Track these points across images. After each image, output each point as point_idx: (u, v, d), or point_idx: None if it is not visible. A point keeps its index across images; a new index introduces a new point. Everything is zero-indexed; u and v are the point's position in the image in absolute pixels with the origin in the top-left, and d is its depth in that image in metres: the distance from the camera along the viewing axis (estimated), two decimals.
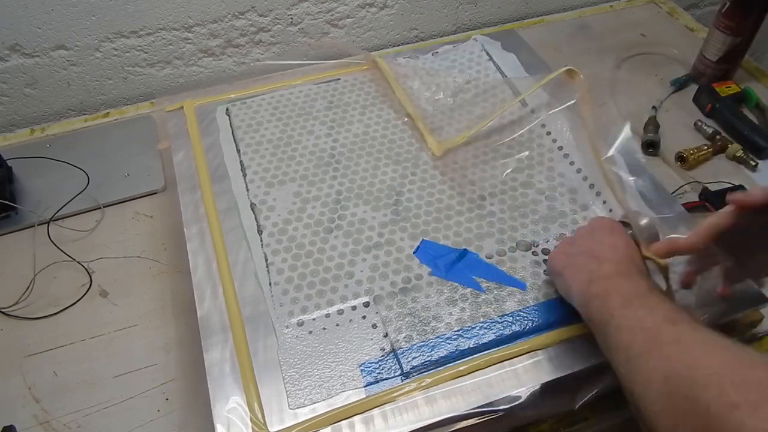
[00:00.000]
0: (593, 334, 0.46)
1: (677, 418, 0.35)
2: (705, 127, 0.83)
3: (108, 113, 0.89)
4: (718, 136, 0.81)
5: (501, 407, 0.49)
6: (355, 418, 0.48)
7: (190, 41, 0.89)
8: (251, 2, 0.88)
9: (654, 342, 0.39)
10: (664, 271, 0.50)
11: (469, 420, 0.49)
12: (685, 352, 0.37)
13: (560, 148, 0.69)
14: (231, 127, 0.72)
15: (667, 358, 0.38)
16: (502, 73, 0.78)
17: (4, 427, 0.54)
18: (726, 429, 0.32)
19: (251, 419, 0.48)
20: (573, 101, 0.69)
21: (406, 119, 0.73)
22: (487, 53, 0.82)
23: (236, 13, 0.89)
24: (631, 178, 0.63)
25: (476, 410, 0.49)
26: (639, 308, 0.42)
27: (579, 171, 0.66)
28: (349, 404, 0.49)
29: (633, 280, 0.45)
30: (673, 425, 0.36)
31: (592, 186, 0.65)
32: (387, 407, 0.49)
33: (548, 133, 0.71)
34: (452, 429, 0.49)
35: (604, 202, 0.63)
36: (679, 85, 0.90)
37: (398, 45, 1.02)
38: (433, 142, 0.69)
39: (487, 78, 0.78)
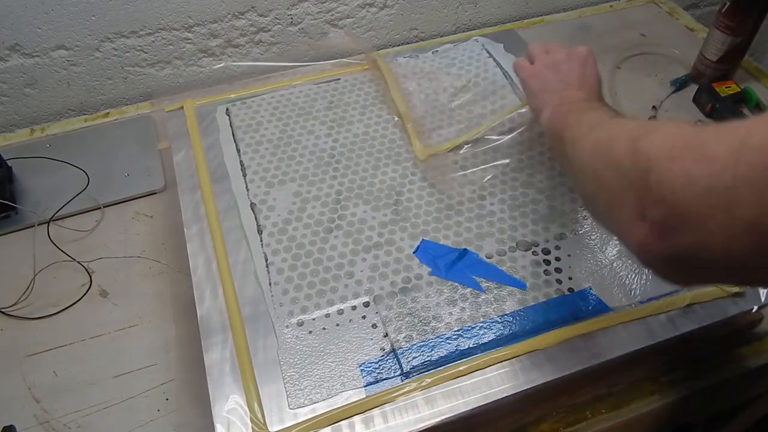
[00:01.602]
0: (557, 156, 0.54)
1: (600, 164, 0.41)
2: None
3: (108, 113, 0.89)
4: None
5: (500, 407, 0.49)
6: (355, 418, 0.48)
7: (190, 41, 0.89)
8: (251, 2, 0.88)
9: (595, 124, 0.46)
10: None
11: (469, 420, 0.49)
12: (617, 125, 0.43)
13: None
14: (231, 127, 0.72)
15: (600, 129, 0.44)
16: (503, 70, 0.78)
17: (4, 427, 0.54)
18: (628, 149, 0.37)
19: (251, 419, 0.48)
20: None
21: (395, 119, 0.73)
22: (488, 52, 0.82)
23: (236, 13, 0.89)
24: None
25: (476, 410, 0.49)
26: (590, 112, 0.51)
27: None
28: (349, 404, 0.49)
29: (594, 107, 0.53)
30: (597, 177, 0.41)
31: None
32: (387, 407, 0.49)
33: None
34: (452, 429, 0.49)
35: None
36: (679, 85, 0.90)
37: (398, 45, 1.02)
38: (419, 146, 0.69)
39: (486, 74, 0.78)
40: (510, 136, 0.69)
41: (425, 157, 0.68)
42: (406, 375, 0.51)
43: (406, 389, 0.49)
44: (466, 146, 0.69)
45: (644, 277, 0.57)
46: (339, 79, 0.79)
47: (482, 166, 0.67)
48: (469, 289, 0.56)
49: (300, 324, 0.54)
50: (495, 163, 0.67)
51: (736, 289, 0.55)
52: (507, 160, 0.67)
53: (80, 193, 0.73)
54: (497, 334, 0.53)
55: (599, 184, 0.40)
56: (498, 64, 0.79)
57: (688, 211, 0.30)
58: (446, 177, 0.66)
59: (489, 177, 0.66)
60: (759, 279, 0.34)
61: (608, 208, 0.39)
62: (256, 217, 0.63)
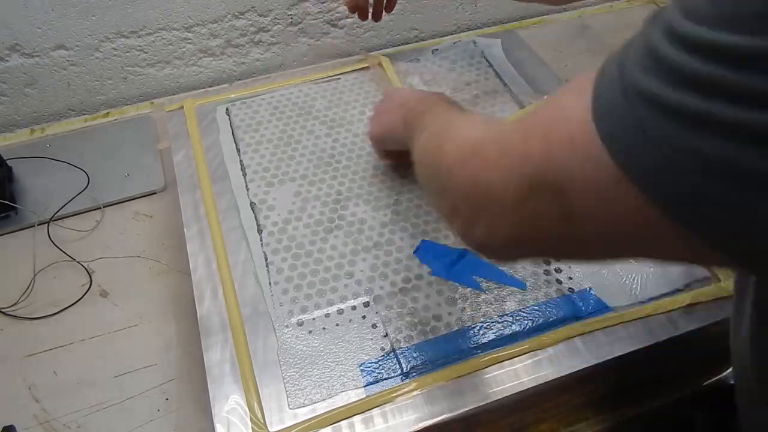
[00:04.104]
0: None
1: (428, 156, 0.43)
2: None
3: (108, 113, 0.89)
4: None
5: (500, 407, 0.49)
6: (355, 418, 0.48)
7: (190, 41, 0.89)
8: (251, 2, 0.88)
9: (439, 123, 0.46)
10: None
11: (469, 420, 0.49)
12: (452, 119, 0.45)
13: None
14: (231, 127, 0.72)
15: (431, 126, 0.46)
16: (502, 80, 0.79)
17: (4, 427, 0.54)
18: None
19: (251, 419, 0.48)
20: None
21: None
22: (487, 60, 0.82)
23: (236, 13, 0.89)
24: None
25: (476, 410, 0.49)
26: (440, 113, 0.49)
27: None
28: (349, 404, 0.49)
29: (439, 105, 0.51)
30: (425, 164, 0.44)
31: None
32: (387, 407, 0.49)
33: None
34: (452, 429, 0.49)
35: None
36: None
37: (398, 45, 1.02)
38: None
39: (486, 81, 0.78)
40: None
41: None
42: (406, 375, 0.51)
43: (406, 389, 0.49)
44: None
45: (644, 277, 0.57)
46: (339, 78, 0.79)
47: None
48: (469, 289, 0.56)
49: (300, 324, 0.54)
50: None
51: None
52: None
53: (80, 193, 0.73)
54: (497, 334, 0.53)
55: (425, 181, 0.45)
56: (496, 73, 0.79)
57: (481, 211, 0.35)
58: None
59: None
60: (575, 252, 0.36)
61: (434, 198, 0.44)
62: (256, 216, 0.63)
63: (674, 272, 0.57)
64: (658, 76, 0.24)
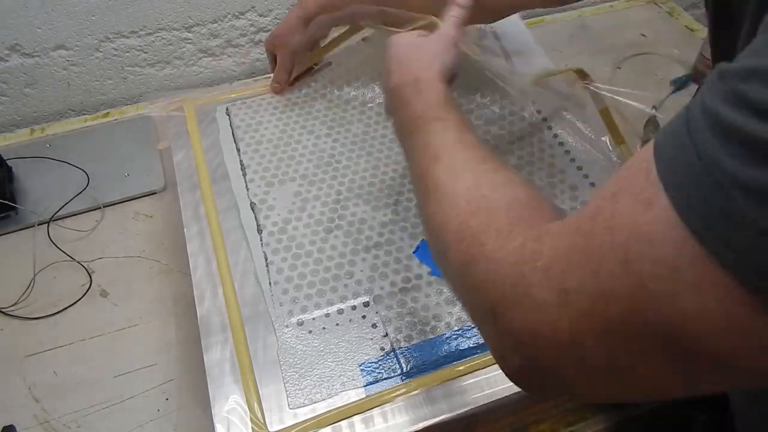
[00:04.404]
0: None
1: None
2: None
3: (108, 113, 0.89)
4: None
5: (500, 407, 0.49)
6: (355, 417, 0.48)
7: (190, 41, 0.89)
8: (251, 2, 0.88)
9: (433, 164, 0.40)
10: None
11: (469, 420, 0.49)
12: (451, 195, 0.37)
13: (561, 143, 0.69)
14: (231, 127, 0.72)
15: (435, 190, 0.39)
16: (505, 53, 0.77)
17: (4, 427, 0.54)
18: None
19: (251, 419, 0.48)
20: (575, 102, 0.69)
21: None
22: (494, 33, 0.80)
23: (236, 13, 0.89)
24: None
25: (476, 410, 0.49)
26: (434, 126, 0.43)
27: (580, 168, 0.66)
28: (349, 404, 0.49)
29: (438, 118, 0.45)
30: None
31: (593, 184, 0.65)
32: (387, 407, 0.49)
33: (549, 128, 0.70)
34: (452, 429, 0.49)
35: None
36: (679, 85, 0.90)
37: None
38: None
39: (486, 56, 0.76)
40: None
41: None
42: (406, 375, 0.51)
43: (406, 389, 0.49)
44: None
45: None
46: (330, 63, 0.78)
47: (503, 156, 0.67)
48: None
49: (300, 324, 0.54)
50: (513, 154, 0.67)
51: None
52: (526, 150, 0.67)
53: (80, 193, 0.73)
54: None
55: (448, 282, 0.37)
56: (501, 46, 0.77)
57: (541, 362, 0.29)
58: None
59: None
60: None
61: (467, 312, 0.36)
62: (256, 216, 0.63)
63: None
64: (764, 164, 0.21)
